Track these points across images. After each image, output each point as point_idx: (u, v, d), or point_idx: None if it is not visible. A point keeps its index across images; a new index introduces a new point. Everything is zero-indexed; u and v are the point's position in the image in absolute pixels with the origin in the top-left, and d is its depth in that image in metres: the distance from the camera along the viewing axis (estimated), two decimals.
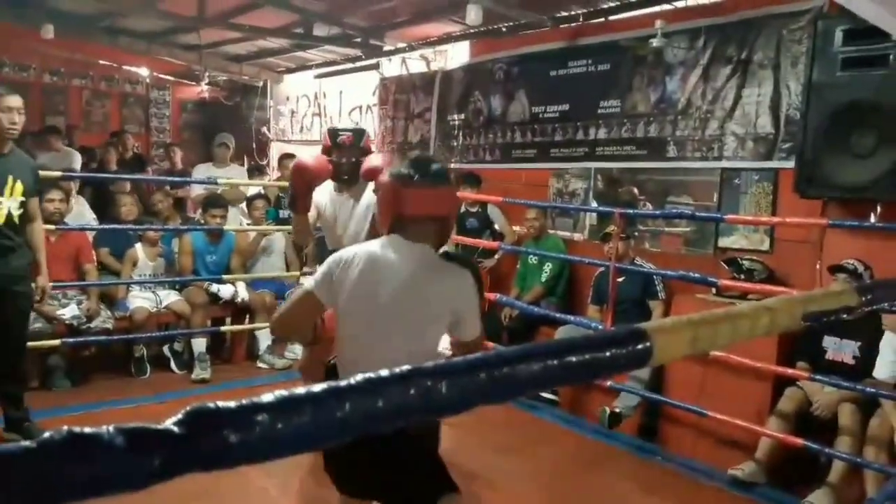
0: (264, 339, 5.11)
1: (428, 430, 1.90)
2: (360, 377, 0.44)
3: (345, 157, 3.08)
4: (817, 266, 3.76)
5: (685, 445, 3.77)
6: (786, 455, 3.34)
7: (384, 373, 0.45)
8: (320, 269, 1.94)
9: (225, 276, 4.88)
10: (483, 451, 3.65)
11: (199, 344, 4.69)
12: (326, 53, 7.33)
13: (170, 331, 4.92)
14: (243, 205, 5.75)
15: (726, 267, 3.94)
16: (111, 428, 0.35)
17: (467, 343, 1.93)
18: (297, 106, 8.21)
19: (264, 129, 8.48)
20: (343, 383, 0.43)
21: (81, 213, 5.31)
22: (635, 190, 4.81)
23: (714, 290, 3.80)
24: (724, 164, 4.25)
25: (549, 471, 3.49)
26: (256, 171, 7.49)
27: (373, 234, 3.21)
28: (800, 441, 3.15)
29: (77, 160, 6.35)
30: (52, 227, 4.07)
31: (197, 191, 6.16)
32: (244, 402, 0.39)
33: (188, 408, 0.38)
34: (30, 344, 3.67)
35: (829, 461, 3.20)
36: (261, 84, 8.39)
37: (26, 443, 0.32)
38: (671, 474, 3.51)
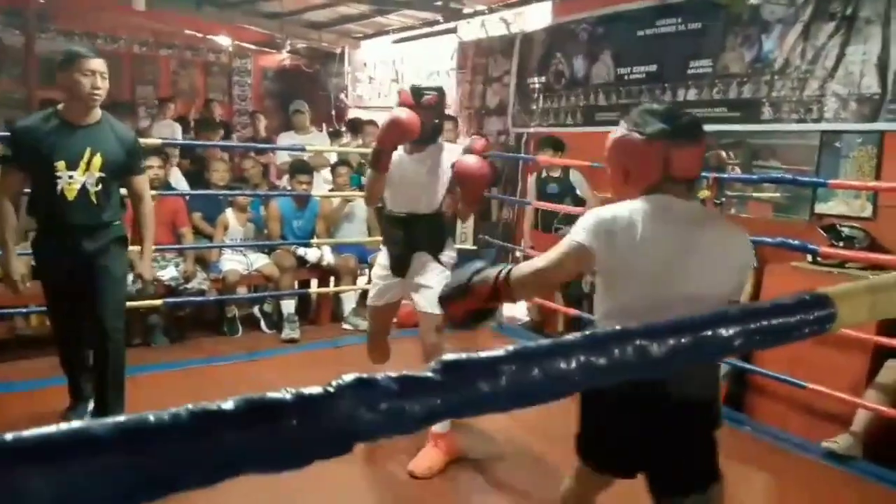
0: (349, 301, 5.25)
1: (711, 397, 1.71)
2: (579, 335, 0.46)
3: (426, 117, 2.89)
4: None
5: (775, 416, 3.68)
6: (884, 429, 3.23)
7: (601, 331, 0.46)
8: (586, 226, 1.67)
9: (313, 241, 5.01)
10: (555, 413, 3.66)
11: (289, 305, 4.86)
12: (405, 18, 7.33)
13: (260, 292, 5.11)
14: (326, 171, 5.87)
15: (823, 234, 3.78)
16: (383, 375, 0.38)
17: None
18: (375, 72, 8.26)
19: (342, 95, 8.58)
20: (567, 339, 0.45)
21: (176, 179, 5.53)
22: (723, 154, 4.65)
23: (810, 257, 3.66)
24: (825, 126, 4.06)
25: None
26: (334, 136, 7.62)
27: (448, 201, 3.12)
28: None
29: (178, 131, 6.63)
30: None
31: (282, 158, 6.31)
32: (491, 354, 0.41)
33: (442, 359, 0.41)
34: (133, 304, 3.86)
35: None
36: (339, 51, 8.46)
37: (325, 387, 0.35)
38: (763, 445, 3.45)
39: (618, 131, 1.74)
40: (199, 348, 4.55)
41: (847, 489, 3.04)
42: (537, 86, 6.00)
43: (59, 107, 2.84)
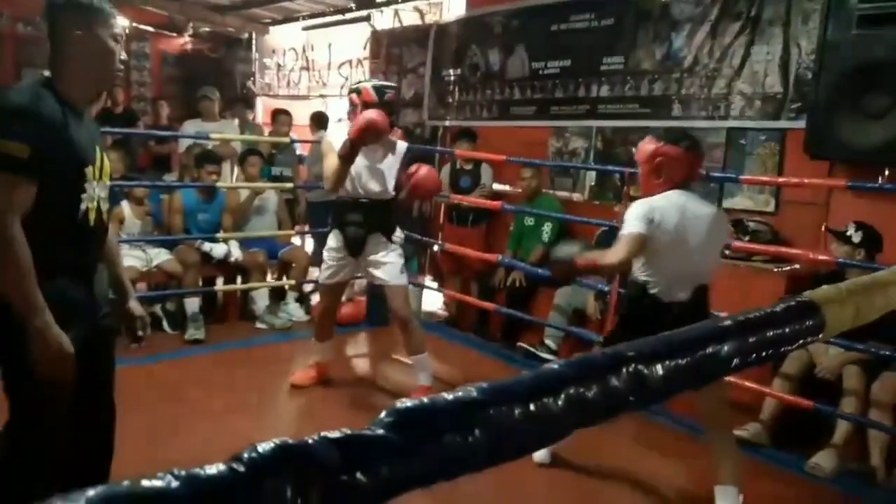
0: (261, 299, 5.01)
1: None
2: (565, 362, 0.36)
3: (386, 112, 3.25)
4: (823, 228, 3.74)
5: (687, 406, 3.76)
6: (789, 417, 3.35)
7: (593, 357, 0.37)
8: (638, 218, 2.45)
9: (219, 235, 4.74)
10: None
11: (192, 304, 4.57)
12: (315, 4, 7.10)
13: (161, 290, 4.79)
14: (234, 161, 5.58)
15: (731, 228, 3.89)
16: (316, 438, 0.27)
17: None
18: (284, 59, 7.97)
19: (249, 83, 8.23)
20: (551, 369, 0.35)
21: None
22: (633, 149, 4.72)
23: None
24: (732, 123, 4.18)
25: None
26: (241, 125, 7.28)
27: (398, 190, 3.52)
28: (809, 403, 3.15)
29: None
30: None
31: (182, 147, 5.96)
32: (459, 396, 0.31)
33: (395, 408, 0.30)
34: None
35: (830, 422, 3.22)
36: (246, 36, 8.11)
37: (228, 465, 0.23)
38: (674, 433, 3.51)
39: (651, 143, 2.58)
40: None
41: (756, 474, 3.13)
42: (453, 78, 5.92)
43: (51, 80, 1.85)
